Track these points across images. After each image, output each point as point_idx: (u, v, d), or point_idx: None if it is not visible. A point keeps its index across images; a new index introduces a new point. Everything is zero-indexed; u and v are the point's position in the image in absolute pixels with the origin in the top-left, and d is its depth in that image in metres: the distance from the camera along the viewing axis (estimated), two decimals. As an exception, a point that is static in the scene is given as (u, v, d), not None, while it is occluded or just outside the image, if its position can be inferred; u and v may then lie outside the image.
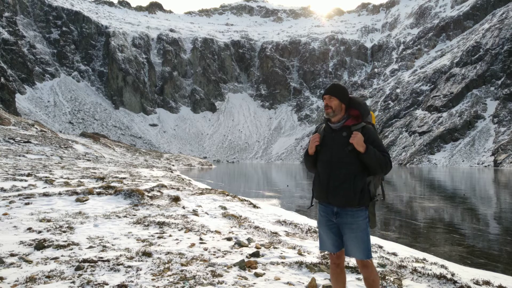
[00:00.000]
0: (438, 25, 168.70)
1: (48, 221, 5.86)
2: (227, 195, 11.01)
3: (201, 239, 5.23)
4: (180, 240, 5.10)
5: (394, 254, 5.38)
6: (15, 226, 5.40)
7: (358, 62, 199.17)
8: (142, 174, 18.65)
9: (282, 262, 4.27)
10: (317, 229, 6.10)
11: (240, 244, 4.96)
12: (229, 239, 5.33)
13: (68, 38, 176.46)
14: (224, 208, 8.50)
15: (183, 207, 8.04)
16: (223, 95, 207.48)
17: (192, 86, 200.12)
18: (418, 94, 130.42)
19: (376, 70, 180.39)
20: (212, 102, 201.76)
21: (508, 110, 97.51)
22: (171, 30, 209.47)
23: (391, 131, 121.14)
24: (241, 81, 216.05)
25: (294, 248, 5.06)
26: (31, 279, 3.35)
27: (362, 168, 2.69)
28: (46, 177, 11.74)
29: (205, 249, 4.68)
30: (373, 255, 4.97)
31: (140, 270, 3.75)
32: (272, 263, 4.22)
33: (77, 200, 7.88)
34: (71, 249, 4.38)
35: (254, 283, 3.56)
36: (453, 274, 4.33)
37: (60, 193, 8.40)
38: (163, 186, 11.19)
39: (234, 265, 4.03)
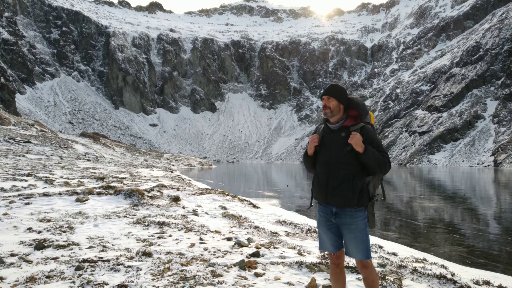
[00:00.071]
0: (438, 25, 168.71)
1: (48, 221, 5.86)
2: (227, 195, 11.01)
3: (201, 239, 5.24)
4: (180, 240, 5.10)
5: (394, 254, 5.39)
6: (15, 226, 5.40)
7: (358, 62, 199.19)
8: (142, 174, 18.65)
9: (282, 262, 4.28)
10: (317, 229, 6.10)
11: (240, 244, 4.97)
12: (229, 239, 5.33)
13: (68, 38, 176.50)
14: (224, 208, 8.50)
15: (183, 207, 8.04)
16: (223, 95, 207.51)
17: (192, 86, 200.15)
18: (418, 94, 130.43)
19: (376, 70, 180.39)
20: (212, 102, 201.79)
21: (508, 110, 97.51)
22: (171, 30, 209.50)
23: (391, 131, 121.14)
24: (241, 81, 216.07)
25: (294, 248, 5.06)
26: (31, 279, 3.35)
27: (361, 168, 2.69)
28: (46, 177, 11.74)
29: (205, 249, 4.68)
30: (373, 255, 4.97)
31: (140, 270, 3.75)
32: (272, 263, 4.22)
33: (77, 200, 7.88)
34: (71, 249, 4.38)
35: (254, 283, 3.56)
36: (453, 274, 4.33)
37: (60, 193, 8.41)
38: (163, 186, 11.19)
39: (234, 265, 4.03)
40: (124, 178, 14.21)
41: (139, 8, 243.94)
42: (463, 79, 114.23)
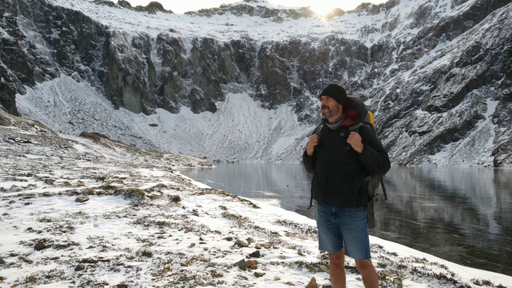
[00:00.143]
0: (438, 25, 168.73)
1: (48, 221, 5.86)
2: (227, 195, 11.01)
3: (201, 239, 5.24)
4: (180, 240, 5.10)
5: (394, 254, 5.39)
6: (15, 226, 5.41)
7: (358, 62, 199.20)
8: (142, 174, 18.65)
9: (282, 262, 4.28)
10: (317, 229, 6.10)
11: (240, 244, 4.97)
12: (229, 239, 5.33)
13: (68, 38, 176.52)
14: (224, 208, 8.50)
15: (183, 207, 8.04)
16: (223, 95, 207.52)
17: (192, 86, 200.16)
18: (418, 94, 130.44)
19: (376, 70, 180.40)
20: (212, 102, 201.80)
21: (508, 110, 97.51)
22: (171, 30, 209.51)
23: (391, 131, 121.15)
24: (241, 81, 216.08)
25: (294, 248, 5.06)
26: (31, 279, 3.35)
27: (360, 168, 2.69)
28: (46, 177, 11.75)
29: (205, 249, 4.68)
30: (373, 255, 4.97)
31: (140, 270, 3.75)
32: (272, 263, 4.22)
33: (77, 200, 7.88)
34: (71, 249, 4.38)
35: (254, 283, 3.56)
36: (453, 274, 4.33)
37: (60, 193, 8.41)
38: (163, 186, 11.19)
39: (234, 265, 4.03)
40: (124, 178, 14.22)
41: (139, 8, 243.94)
42: (463, 79, 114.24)
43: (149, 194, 9.22)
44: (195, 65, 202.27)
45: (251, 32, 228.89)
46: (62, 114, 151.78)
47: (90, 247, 4.53)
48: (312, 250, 5.00)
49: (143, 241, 4.96)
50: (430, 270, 4.42)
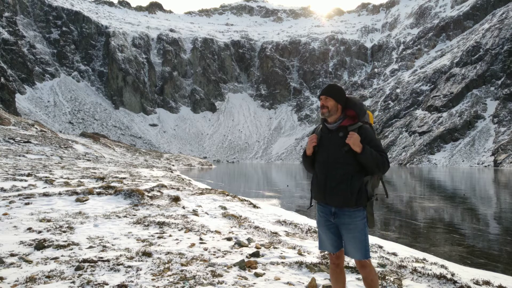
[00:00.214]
0: (438, 25, 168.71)
1: (48, 221, 5.86)
2: (227, 195, 11.01)
3: (201, 239, 5.24)
4: (180, 240, 5.10)
5: (394, 254, 5.39)
6: (15, 226, 5.41)
7: (358, 62, 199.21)
8: (142, 174, 18.65)
9: (282, 262, 4.28)
10: (317, 229, 6.10)
11: (240, 244, 4.97)
12: (229, 239, 5.33)
13: (68, 38, 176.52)
14: (224, 208, 8.50)
15: (183, 207, 8.04)
16: (223, 95, 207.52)
17: (192, 86, 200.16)
18: (418, 94, 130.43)
19: (376, 70, 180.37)
20: (212, 102, 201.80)
21: (508, 110, 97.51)
22: (171, 30, 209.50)
23: (391, 131, 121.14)
24: (241, 81, 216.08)
25: (294, 248, 5.06)
26: (31, 279, 3.35)
27: (359, 168, 2.69)
28: (46, 177, 11.75)
29: (205, 249, 4.68)
30: (373, 255, 4.97)
31: (140, 270, 3.75)
32: (272, 263, 4.22)
33: (77, 200, 7.88)
34: (71, 249, 4.38)
35: (254, 283, 3.56)
36: (453, 274, 4.33)
37: (60, 193, 8.41)
38: (163, 186, 11.19)
39: (234, 265, 4.03)
40: (124, 178, 14.22)
41: (139, 8, 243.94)
42: (463, 79, 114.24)
43: (149, 194, 9.22)
44: (195, 65, 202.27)
45: (251, 32, 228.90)
46: (62, 114, 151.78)
47: (90, 247, 4.53)
48: (312, 250, 5.00)
49: (143, 241, 4.96)
50: (430, 270, 4.42)
